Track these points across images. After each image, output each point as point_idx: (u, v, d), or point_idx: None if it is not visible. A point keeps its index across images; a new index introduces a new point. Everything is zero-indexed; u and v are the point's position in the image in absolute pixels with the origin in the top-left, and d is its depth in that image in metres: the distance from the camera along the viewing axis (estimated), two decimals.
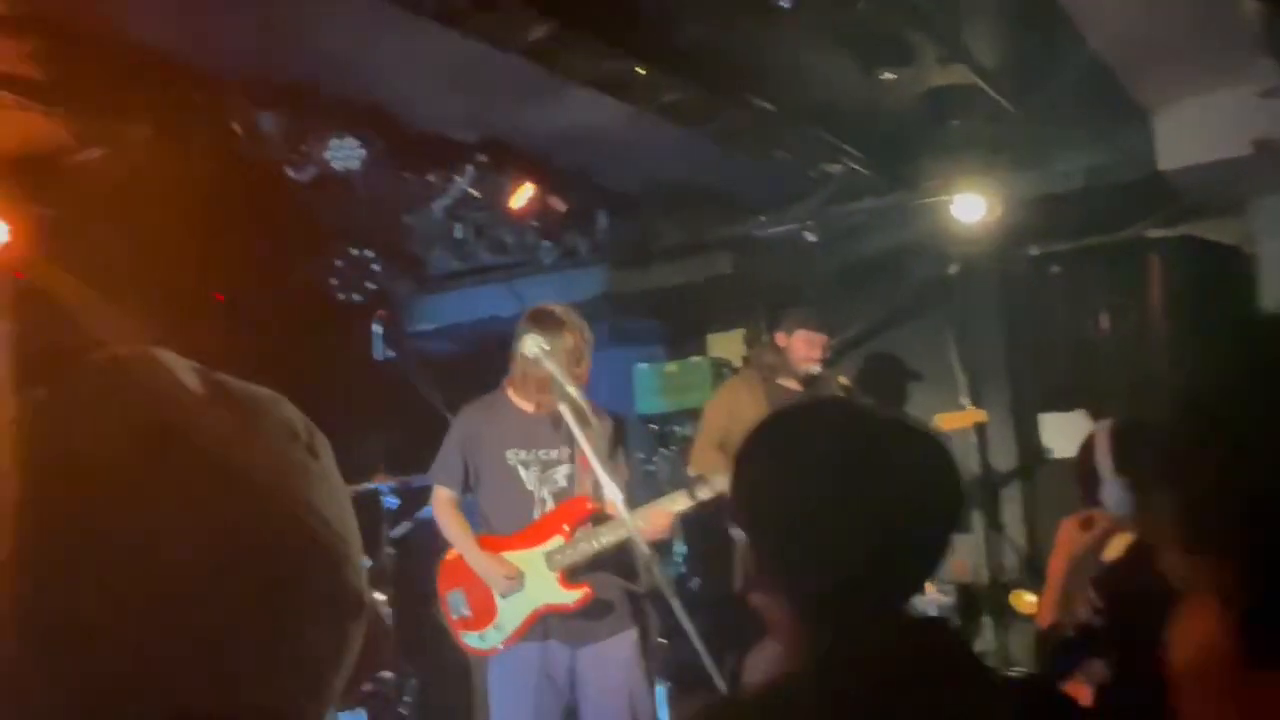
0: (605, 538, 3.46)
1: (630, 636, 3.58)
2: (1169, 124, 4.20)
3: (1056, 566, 2.38)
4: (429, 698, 4.83)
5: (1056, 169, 4.48)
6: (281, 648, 0.54)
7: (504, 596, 3.52)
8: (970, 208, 4.62)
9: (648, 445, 6.29)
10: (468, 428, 3.62)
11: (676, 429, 6.21)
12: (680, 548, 5.79)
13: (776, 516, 1.14)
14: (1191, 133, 4.13)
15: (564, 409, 3.32)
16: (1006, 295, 5.34)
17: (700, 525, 5.99)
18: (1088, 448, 2.52)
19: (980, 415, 5.26)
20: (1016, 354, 5.27)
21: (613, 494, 3.22)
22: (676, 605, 3.12)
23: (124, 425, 0.53)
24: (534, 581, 3.51)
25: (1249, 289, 4.84)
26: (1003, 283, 5.31)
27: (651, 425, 6.35)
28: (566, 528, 3.52)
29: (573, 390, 3.32)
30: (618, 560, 3.54)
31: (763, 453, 1.20)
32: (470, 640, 3.60)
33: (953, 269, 5.38)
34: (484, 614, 3.56)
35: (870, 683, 1.02)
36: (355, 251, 5.22)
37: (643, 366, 6.38)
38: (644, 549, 3.17)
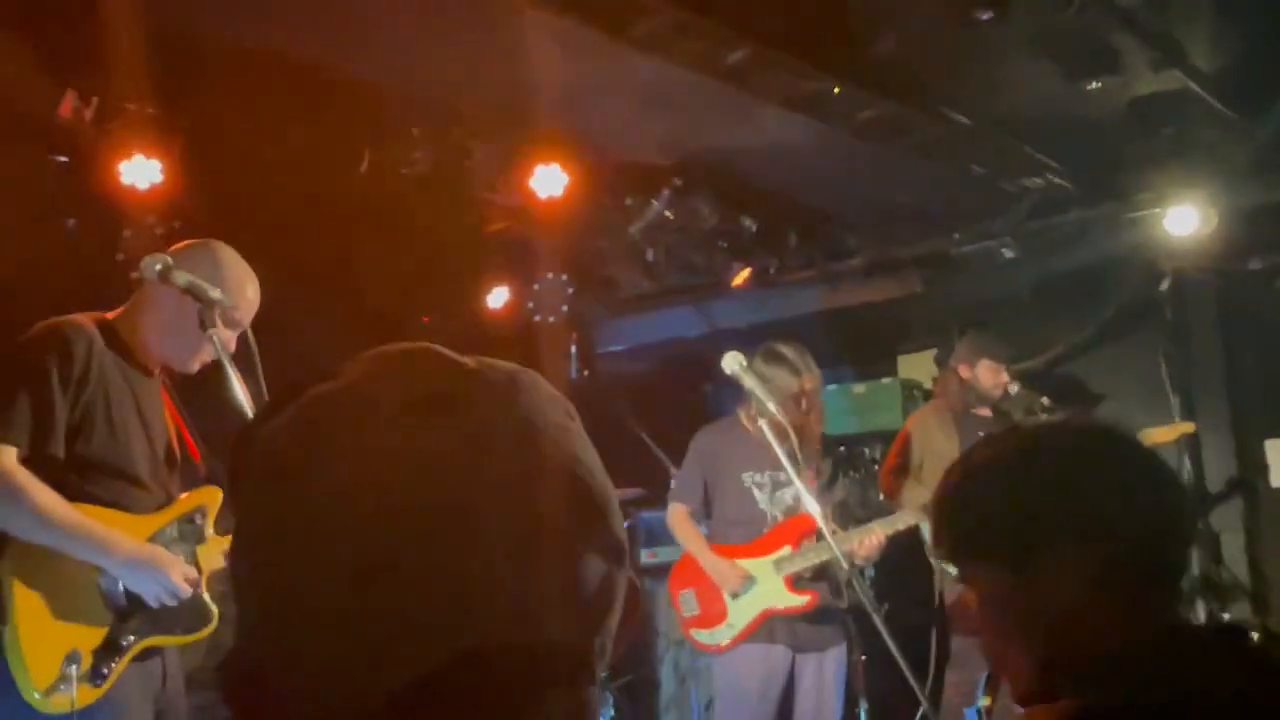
0: (827, 551, 3.53)
1: (843, 651, 3.84)
2: None
3: None
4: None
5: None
6: (564, 585, 0.57)
7: (735, 597, 3.79)
8: (1184, 220, 4.39)
9: (835, 467, 6.21)
10: (706, 450, 3.97)
11: (865, 450, 6.12)
12: (870, 571, 5.68)
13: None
14: None
15: (767, 430, 3.42)
16: (1226, 312, 5.03)
17: (890, 550, 5.87)
18: None
19: (1188, 428, 4.96)
20: (1237, 375, 4.95)
21: (816, 515, 3.30)
22: (879, 623, 3.12)
23: (427, 390, 0.59)
24: (764, 585, 3.79)
25: None
26: (1221, 299, 5.01)
27: (839, 447, 6.27)
28: (794, 539, 3.83)
29: (781, 418, 3.42)
30: (823, 579, 3.75)
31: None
32: (700, 636, 3.90)
33: (1164, 285, 5.10)
34: (715, 613, 3.85)
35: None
36: (551, 275, 5.41)
37: (831, 388, 6.32)
38: (845, 566, 3.27)
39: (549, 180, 4.18)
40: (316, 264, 4.97)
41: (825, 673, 3.76)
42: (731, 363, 3.55)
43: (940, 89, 4.07)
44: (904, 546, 5.36)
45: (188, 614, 2.49)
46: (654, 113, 4.06)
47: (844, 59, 3.79)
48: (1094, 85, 3.79)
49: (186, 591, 2.44)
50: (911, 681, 3.08)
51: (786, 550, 3.82)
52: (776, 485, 3.86)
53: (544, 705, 0.57)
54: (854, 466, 6.01)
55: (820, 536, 3.61)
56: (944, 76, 3.98)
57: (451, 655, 0.54)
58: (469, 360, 0.62)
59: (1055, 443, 1.21)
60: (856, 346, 6.47)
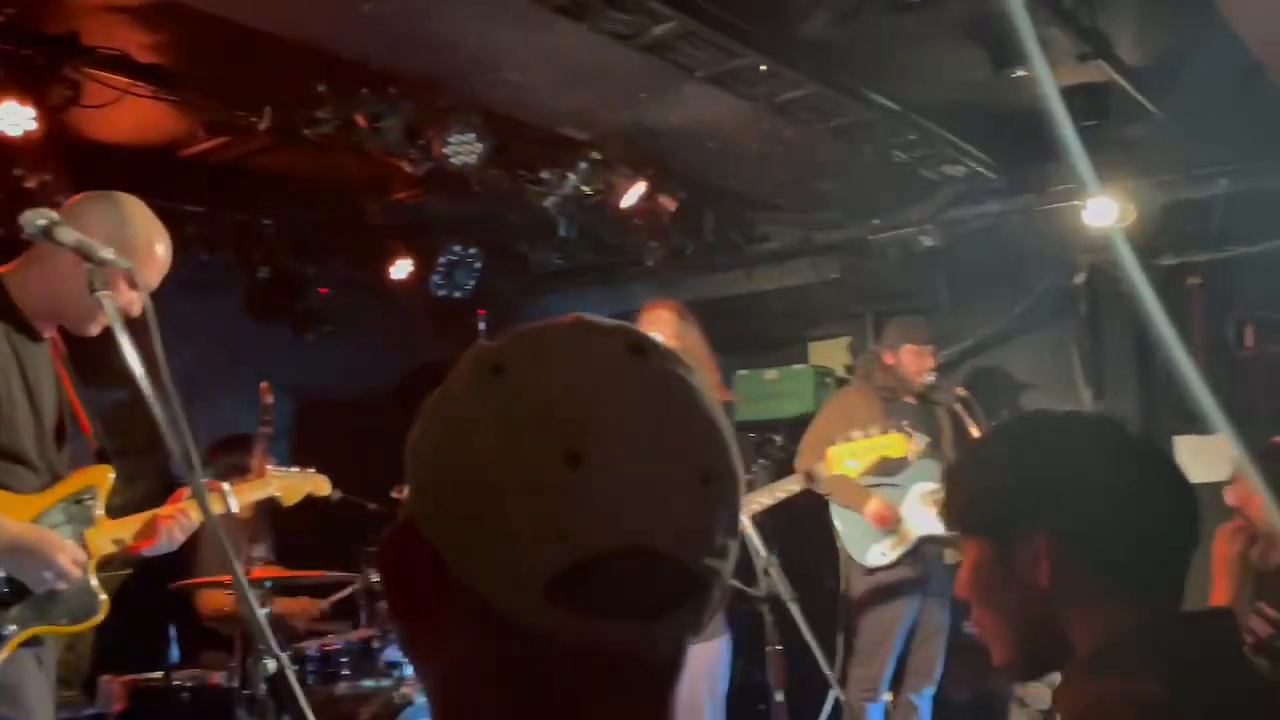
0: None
1: (723, 644, 3.56)
2: None
3: (1221, 579, 2.27)
4: None
5: (1200, 173, 4.23)
6: (705, 524, 0.67)
7: None
8: (1102, 213, 4.39)
9: (746, 454, 6.14)
10: None
11: (776, 437, 6.05)
12: (773, 558, 5.63)
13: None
14: None
15: None
16: (1139, 307, 5.08)
17: (799, 541, 5.83)
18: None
19: None
20: (1149, 371, 5.01)
21: None
22: (795, 610, 3.04)
23: (625, 335, 0.70)
24: None
25: None
26: (1135, 294, 5.06)
27: (750, 434, 6.20)
28: None
29: None
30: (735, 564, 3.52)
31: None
32: None
33: (1079, 278, 5.13)
34: None
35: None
36: (458, 248, 5.18)
37: (743, 373, 6.24)
38: (761, 550, 3.14)
39: (462, 148, 3.96)
40: (209, 227, 4.68)
41: (695, 665, 3.56)
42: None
43: (867, 73, 3.98)
44: (813, 538, 5.32)
45: (74, 602, 2.28)
46: (574, 84, 3.87)
47: (772, 37, 3.67)
48: (1019, 74, 3.74)
49: (76, 576, 2.23)
50: (825, 669, 3.01)
51: None
52: None
53: (669, 619, 0.66)
54: (764, 454, 5.95)
55: None
56: (871, 60, 3.89)
57: (627, 545, 0.63)
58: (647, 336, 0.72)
59: (1051, 429, 1.28)
60: (770, 332, 6.40)
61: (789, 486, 3.74)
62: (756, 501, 3.57)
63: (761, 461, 6.17)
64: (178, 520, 2.41)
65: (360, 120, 3.68)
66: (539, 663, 0.65)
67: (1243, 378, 4.33)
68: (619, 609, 0.64)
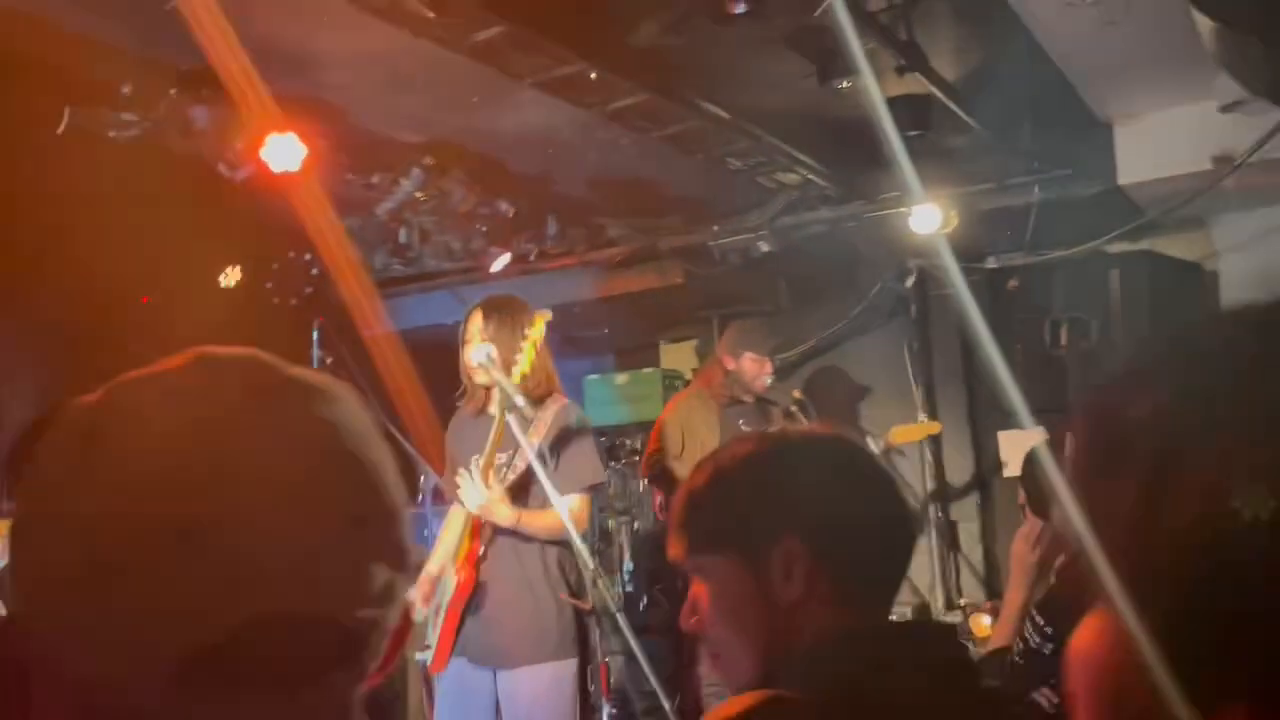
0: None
1: (553, 667, 3.30)
2: (1130, 138, 4.15)
3: (1013, 586, 2.32)
4: None
5: (1015, 182, 4.42)
6: (353, 573, 0.62)
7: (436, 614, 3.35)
8: (927, 220, 4.54)
9: (599, 457, 6.14)
10: (450, 437, 3.54)
11: (626, 441, 6.08)
12: (629, 565, 5.65)
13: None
14: (1152, 147, 4.09)
15: (514, 423, 3.20)
16: (960, 309, 5.28)
17: (652, 542, 5.86)
18: (1029, 462, 2.49)
19: (934, 428, 5.19)
20: (974, 368, 5.21)
21: (550, 491, 3.05)
22: (624, 624, 3.00)
23: (243, 382, 0.64)
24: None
25: (1209, 305, 4.83)
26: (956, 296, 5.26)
27: (601, 437, 6.20)
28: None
29: (507, 386, 3.16)
30: (564, 578, 3.38)
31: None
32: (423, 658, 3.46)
33: (910, 281, 5.31)
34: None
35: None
36: (293, 254, 5.02)
37: (593, 378, 6.24)
38: (589, 563, 3.07)
39: (283, 152, 3.81)
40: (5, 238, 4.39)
41: (535, 687, 3.28)
42: (480, 355, 3.34)
43: (698, 81, 4.01)
44: (662, 542, 5.34)
45: None
46: (401, 88, 3.79)
47: (602, 44, 3.66)
48: (843, 85, 3.83)
49: None
50: (654, 683, 2.99)
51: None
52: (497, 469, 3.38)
53: (324, 682, 0.62)
54: (615, 457, 5.96)
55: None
56: (702, 69, 3.92)
57: (248, 618, 0.58)
58: (291, 368, 0.67)
59: (793, 447, 1.33)
60: (618, 337, 6.42)
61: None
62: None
63: (613, 464, 6.20)
64: None
65: (169, 123, 3.51)
66: None
67: (1058, 373, 4.53)
68: (264, 683, 0.60)
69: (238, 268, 4.87)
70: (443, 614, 3.34)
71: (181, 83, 3.56)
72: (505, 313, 3.36)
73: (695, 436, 4.71)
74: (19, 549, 0.62)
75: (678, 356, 6.53)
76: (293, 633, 0.60)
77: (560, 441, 3.40)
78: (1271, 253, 4.72)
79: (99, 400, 0.63)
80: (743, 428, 4.77)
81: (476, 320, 3.37)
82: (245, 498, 0.59)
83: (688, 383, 6.02)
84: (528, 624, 3.26)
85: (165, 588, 0.58)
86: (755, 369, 4.70)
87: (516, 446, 3.23)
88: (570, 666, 3.32)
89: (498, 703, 3.31)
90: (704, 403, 4.79)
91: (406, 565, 0.66)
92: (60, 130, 3.46)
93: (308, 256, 4.99)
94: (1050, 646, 2.19)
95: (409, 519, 0.67)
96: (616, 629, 3.19)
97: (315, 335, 4.89)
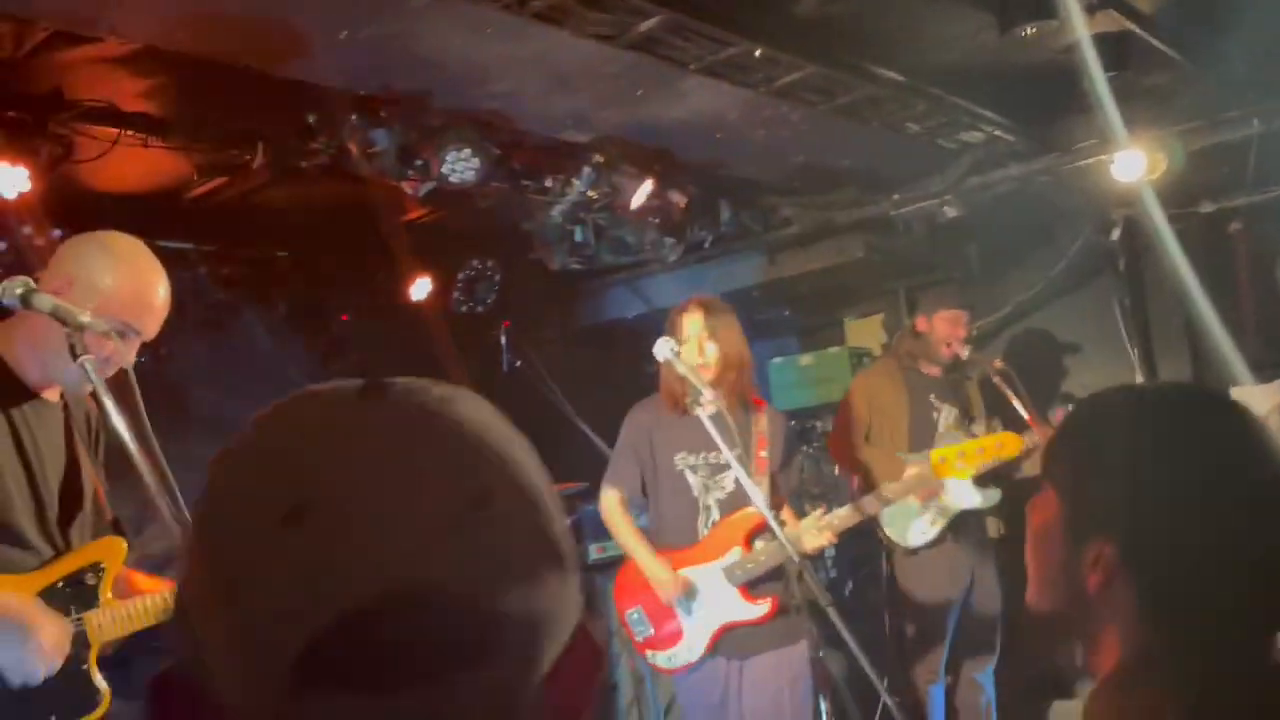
0: (781, 550, 3.25)
1: (804, 649, 3.44)
2: None
3: None
4: None
5: (1229, 116, 4.01)
6: (481, 555, 0.57)
7: (687, 612, 3.46)
8: (1131, 166, 4.19)
9: (790, 442, 6.02)
10: (638, 428, 3.57)
11: (817, 424, 5.93)
12: (830, 551, 5.52)
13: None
14: None
15: (701, 412, 3.19)
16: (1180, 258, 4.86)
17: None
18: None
19: (1011, 446, 4.81)
20: (1195, 321, 4.78)
21: (763, 509, 3.04)
22: (834, 614, 2.94)
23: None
24: (717, 596, 3.44)
25: None
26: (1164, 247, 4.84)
27: (790, 422, 6.08)
28: (743, 539, 3.45)
29: (706, 392, 3.18)
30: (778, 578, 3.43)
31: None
32: (658, 660, 3.55)
33: (1115, 234, 4.92)
34: (669, 633, 3.51)
35: None
36: (477, 262, 5.13)
37: (777, 361, 6.12)
38: (794, 556, 3.04)
39: (460, 166, 3.89)
40: (223, 265, 4.68)
41: (773, 673, 3.43)
42: (664, 348, 3.34)
43: (867, 47, 3.83)
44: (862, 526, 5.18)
45: (63, 696, 1.99)
46: (565, 88, 3.78)
47: (763, 19, 3.55)
48: (1029, 31, 3.57)
49: (52, 662, 1.96)
50: (869, 672, 2.90)
51: (736, 553, 3.45)
52: (713, 470, 3.47)
53: (471, 673, 0.56)
54: (806, 441, 5.83)
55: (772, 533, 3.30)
56: (870, 34, 3.74)
57: (380, 594, 0.54)
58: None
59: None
60: (800, 317, 6.27)
61: (857, 516, 3.55)
62: (810, 540, 3.42)
63: (805, 449, 6.08)
64: None
65: (352, 148, 3.63)
66: None
67: None
68: (397, 678, 0.54)
69: (428, 279, 5.02)
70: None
71: (360, 108, 3.68)
72: (723, 312, 3.50)
73: (882, 410, 4.53)
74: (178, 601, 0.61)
75: (864, 333, 6.32)
76: (416, 615, 0.54)
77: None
78: None
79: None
80: (933, 402, 4.56)
81: (698, 318, 3.42)
82: (355, 482, 0.56)
83: (876, 359, 5.83)
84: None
85: (271, 577, 0.54)
86: (949, 329, 4.46)
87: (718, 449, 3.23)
88: (804, 649, 3.43)
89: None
90: (888, 372, 4.61)
91: (554, 554, 0.60)
92: (256, 163, 3.63)
93: (490, 263, 5.09)
94: None
95: (560, 510, 0.63)
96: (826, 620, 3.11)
97: (503, 340, 5.00)
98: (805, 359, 5.99)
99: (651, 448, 3.52)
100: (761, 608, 3.43)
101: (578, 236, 4.96)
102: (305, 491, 0.56)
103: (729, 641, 3.45)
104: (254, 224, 4.58)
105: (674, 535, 3.51)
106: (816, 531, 3.38)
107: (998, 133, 4.40)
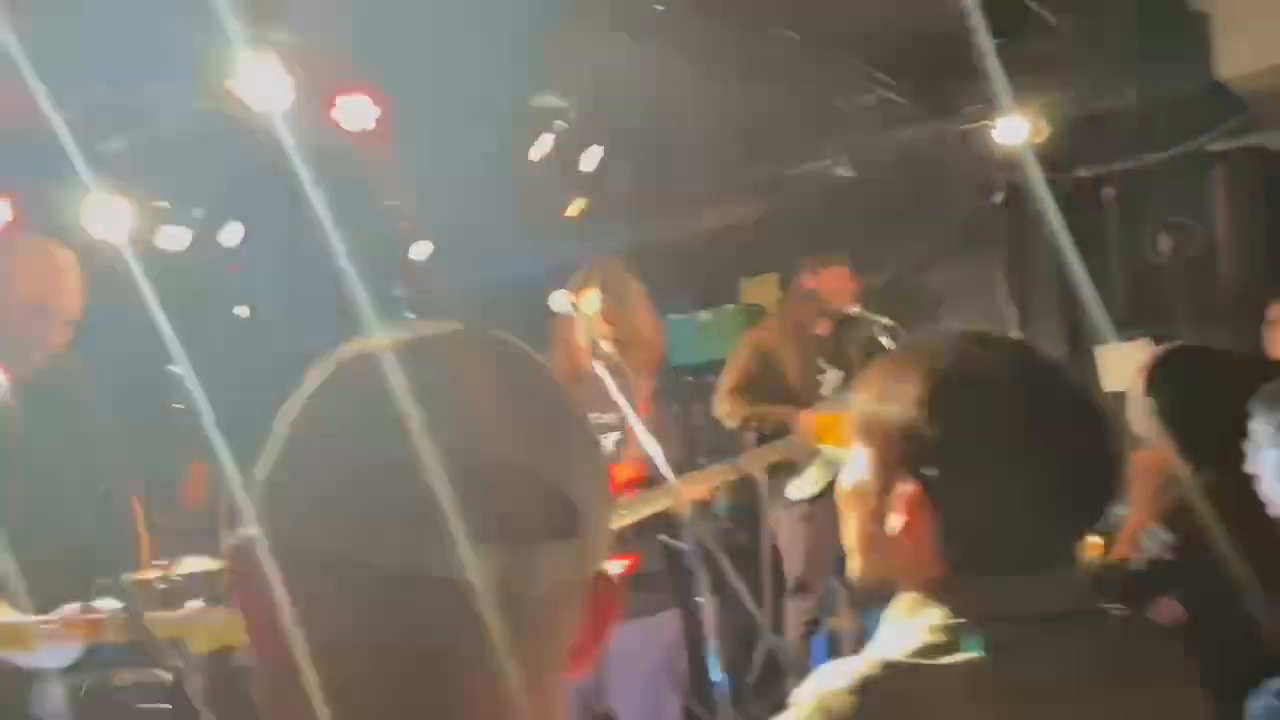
0: (649, 505, 3.30)
1: (673, 615, 3.40)
2: (1229, 28, 3.89)
3: (1138, 498, 2.26)
4: None
5: (1106, 84, 4.19)
6: (559, 455, 0.64)
7: None
8: (1013, 131, 4.34)
9: (682, 398, 6.11)
10: None
11: (711, 379, 6.02)
12: (722, 503, 5.64)
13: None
14: (1253, 35, 3.83)
15: (599, 369, 3.19)
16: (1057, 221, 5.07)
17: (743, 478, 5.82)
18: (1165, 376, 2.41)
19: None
20: (1069, 283, 5.01)
21: (656, 456, 3.06)
22: (724, 562, 3.00)
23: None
24: None
25: None
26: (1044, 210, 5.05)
27: (687, 378, 6.17)
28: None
29: (606, 347, 3.19)
30: (660, 519, 3.41)
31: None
32: None
33: (998, 198, 5.11)
34: None
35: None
36: None
37: (674, 317, 6.18)
38: (687, 512, 3.07)
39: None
40: None
41: (643, 639, 3.28)
42: (562, 301, 3.32)
43: (767, 5, 3.88)
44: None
45: None
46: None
47: None
48: None
49: None
50: (755, 613, 2.98)
51: None
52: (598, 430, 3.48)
53: (542, 546, 0.61)
54: (701, 396, 5.92)
55: (645, 487, 3.28)
56: None
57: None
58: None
59: None
60: (698, 275, 6.34)
61: (724, 475, 3.53)
62: (687, 494, 3.41)
63: (701, 404, 6.17)
64: None
65: None
66: None
67: (1161, 284, 4.34)
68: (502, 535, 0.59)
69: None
70: None
71: None
72: (623, 271, 3.48)
73: (771, 370, 4.61)
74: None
75: (759, 291, 6.43)
76: (517, 485, 0.61)
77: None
78: None
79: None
80: (820, 364, 4.66)
81: (597, 277, 3.38)
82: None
83: (767, 316, 5.92)
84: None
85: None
86: (837, 284, 4.52)
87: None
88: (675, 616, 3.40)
89: None
90: (779, 335, 4.68)
91: (606, 482, 0.67)
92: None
93: None
94: (1172, 555, 2.17)
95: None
96: (715, 566, 3.17)
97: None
98: (702, 316, 6.06)
99: None
100: (618, 564, 3.39)
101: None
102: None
103: None
104: None
105: None
106: (692, 486, 3.36)
107: (891, 95, 4.51)
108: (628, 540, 3.33)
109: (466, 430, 0.61)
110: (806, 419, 4.38)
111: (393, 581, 0.59)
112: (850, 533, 1.19)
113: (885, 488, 1.13)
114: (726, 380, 4.70)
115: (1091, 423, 1.14)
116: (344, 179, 3.56)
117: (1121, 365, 4.82)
